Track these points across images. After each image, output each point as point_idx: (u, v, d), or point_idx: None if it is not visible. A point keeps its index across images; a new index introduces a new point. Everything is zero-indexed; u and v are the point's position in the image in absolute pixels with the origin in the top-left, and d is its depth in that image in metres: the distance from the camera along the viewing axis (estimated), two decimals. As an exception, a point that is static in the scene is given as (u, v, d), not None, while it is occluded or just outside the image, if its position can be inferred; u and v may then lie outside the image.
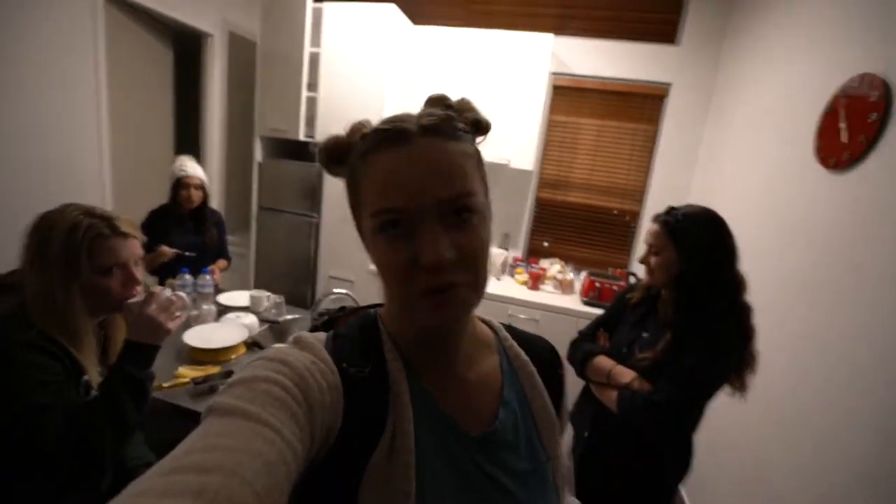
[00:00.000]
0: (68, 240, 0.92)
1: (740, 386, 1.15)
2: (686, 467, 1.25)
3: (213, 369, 1.47)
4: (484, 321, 0.59)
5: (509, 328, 0.61)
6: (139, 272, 1.04)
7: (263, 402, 0.35)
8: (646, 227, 2.92)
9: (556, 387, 0.58)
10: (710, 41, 2.69)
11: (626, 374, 1.21)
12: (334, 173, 0.50)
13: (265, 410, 0.34)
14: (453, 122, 0.45)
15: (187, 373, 1.43)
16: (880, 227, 1.35)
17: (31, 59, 1.97)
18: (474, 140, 0.48)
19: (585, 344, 1.39)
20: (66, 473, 0.82)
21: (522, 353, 0.57)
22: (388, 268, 0.43)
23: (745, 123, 2.32)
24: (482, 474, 0.47)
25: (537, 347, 0.60)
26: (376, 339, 0.50)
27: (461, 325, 0.50)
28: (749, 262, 1.23)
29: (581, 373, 1.34)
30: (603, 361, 1.28)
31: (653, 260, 1.21)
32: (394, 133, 0.43)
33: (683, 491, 2.16)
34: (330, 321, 0.58)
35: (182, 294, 1.11)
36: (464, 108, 0.49)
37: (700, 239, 1.13)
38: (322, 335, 0.49)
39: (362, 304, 0.65)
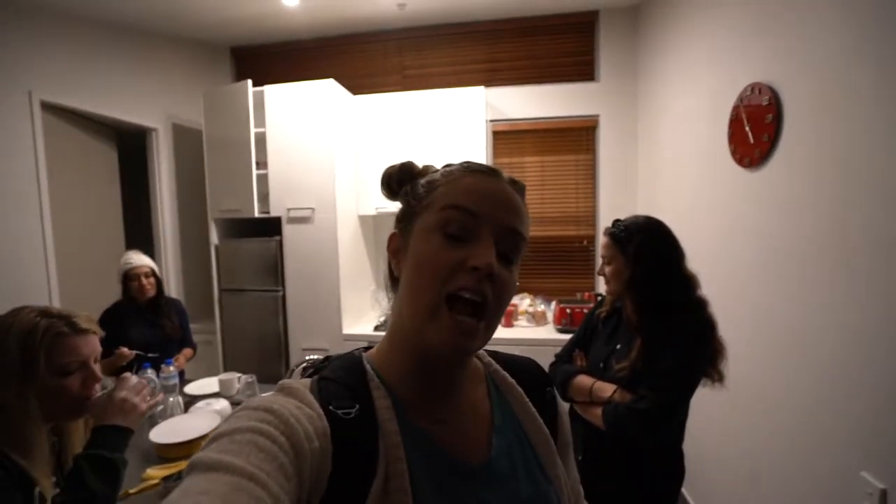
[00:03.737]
0: (25, 343, 0.87)
1: (718, 377, 1.18)
2: (681, 474, 1.25)
3: (185, 464, 1.37)
4: None
5: (493, 354, 0.61)
6: (98, 369, 1.00)
7: (248, 454, 0.33)
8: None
9: (549, 407, 0.57)
10: (626, 73, 2.98)
11: (606, 389, 1.22)
12: (390, 194, 0.55)
13: (250, 463, 0.32)
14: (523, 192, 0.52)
15: (156, 473, 1.33)
16: (795, 212, 1.48)
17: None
18: None
19: (563, 366, 1.40)
20: None
21: (508, 376, 0.57)
22: (433, 264, 0.44)
23: (670, 140, 2.53)
24: None
25: (523, 369, 0.60)
26: (362, 378, 0.48)
27: (462, 363, 0.52)
28: (695, 261, 1.31)
29: (564, 395, 1.34)
30: (583, 380, 1.29)
31: (606, 270, 1.28)
32: (487, 168, 0.50)
33: (684, 490, 2.13)
34: (314, 371, 0.56)
35: (152, 377, 1.08)
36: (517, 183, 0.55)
37: (642, 242, 1.21)
38: (307, 381, 0.48)
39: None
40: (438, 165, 0.54)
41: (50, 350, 0.90)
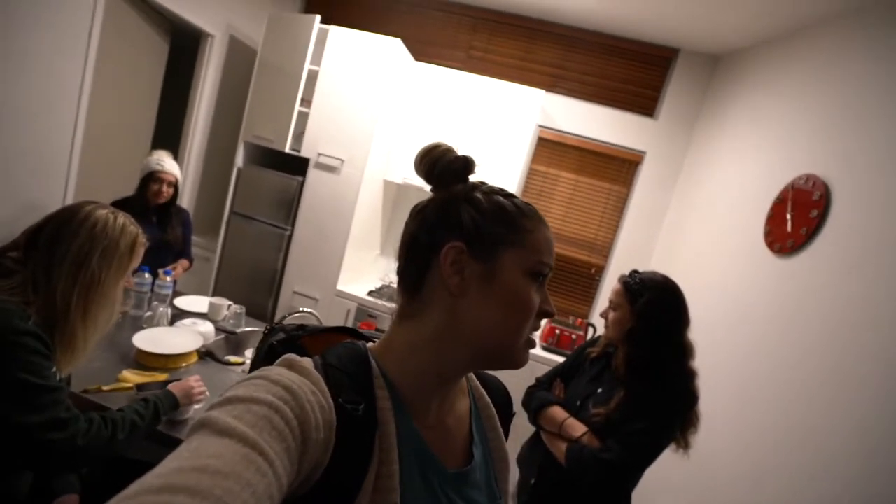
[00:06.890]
0: (134, 241, 1.04)
1: (685, 445, 1.20)
2: None
3: (160, 376, 1.40)
4: None
5: None
6: None
7: (262, 429, 0.33)
8: (610, 281, 3.07)
9: (505, 427, 0.62)
10: (685, 120, 2.92)
11: (577, 428, 1.24)
12: (427, 176, 0.56)
13: (262, 438, 0.33)
14: None
15: (131, 377, 1.36)
16: (814, 307, 1.47)
17: (19, 36, 1.91)
18: None
19: (541, 392, 1.42)
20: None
21: (485, 394, 0.60)
22: (530, 309, 0.49)
23: (707, 199, 2.50)
24: None
25: (494, 389, 0.64)
26: (367, 373, 0.49)
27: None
28: (697, 330, 1.31)
29: (534, 420, 1.37)
30: (557, 412, 1.31)
31: (610, 315, 1.29)
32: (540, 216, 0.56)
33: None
34: (289, 339, 0.56)
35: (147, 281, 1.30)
36: None
37: (652, 300, 1.22)
38: (309, 361, 0.46)
39: (326, 324, 0.64)
40: (477, 153, 0.58)
41: (136, 255, 1.06)
